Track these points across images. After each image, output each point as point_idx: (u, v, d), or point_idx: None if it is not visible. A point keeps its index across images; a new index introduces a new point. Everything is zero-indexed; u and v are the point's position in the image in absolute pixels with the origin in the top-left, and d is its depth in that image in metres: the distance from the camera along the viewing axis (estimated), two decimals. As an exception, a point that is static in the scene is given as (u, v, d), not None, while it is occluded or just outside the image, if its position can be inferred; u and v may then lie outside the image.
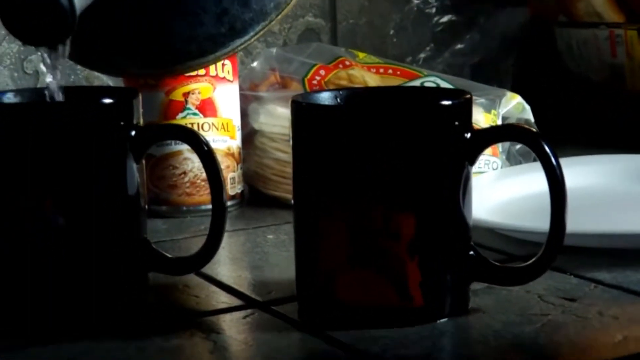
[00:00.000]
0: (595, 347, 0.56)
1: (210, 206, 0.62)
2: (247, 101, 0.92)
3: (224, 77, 0.87)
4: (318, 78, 0.93)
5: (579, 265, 0.68)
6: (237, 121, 0.88)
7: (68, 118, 0.59)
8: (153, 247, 0.63)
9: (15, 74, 1.05)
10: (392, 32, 1.22)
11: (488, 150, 0.89)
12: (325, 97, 0.63)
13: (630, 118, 1.10)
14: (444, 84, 0.94)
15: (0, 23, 0.63)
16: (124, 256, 0.61)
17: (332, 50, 1.00)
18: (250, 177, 0.92)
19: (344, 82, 0.93)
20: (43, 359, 0.56)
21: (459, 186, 0.58)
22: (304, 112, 0.59)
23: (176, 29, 0.78)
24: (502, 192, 0.85)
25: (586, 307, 0.60)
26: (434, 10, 1.23)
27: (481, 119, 0.90)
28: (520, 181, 0.86)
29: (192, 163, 0.85)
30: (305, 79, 0.93)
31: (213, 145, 0.84)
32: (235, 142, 0.88)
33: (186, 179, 0.86)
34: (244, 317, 0.61)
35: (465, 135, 0.58)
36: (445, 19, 1.23)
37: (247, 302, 0.64)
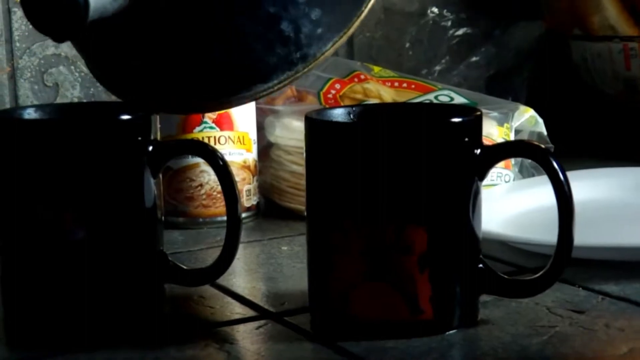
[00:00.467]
0: (601, 359, 0.57)
1: (226, 217, 0.63)
2: (264, 114, 0.93)
3: (241, 92, 0.88)
4: (333, 92, 0.95)
5: (588, 277, 0.69)
6: (253, 134, 0.90)
7: (87, 134, 0.60)
8: (169, 259, 0.65)
9: (36, 87, 1.07)
10: (408, 45, 1.23)
11: (501, 164, 0.90)
12: (339, 114, 0.64)
13: (644, 131, 1.11)
14: (458, 98, 0.95)
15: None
16: (141, 268, 0.62)
17: (347, 64, 1.01)
18: (266, 189, 0.93)
19: (359, 96, 0.94)
20: (61, 369, 0.58)
21: (469, 201, 0.60)
22: (317, 128, 0.61)
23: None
24: (514, 204, 0.85)
25: (593, 319, 0.61)
26: (449, 23, 1.24)
27: (494, 132, 0.91)
28: (533, 194, 0.87)
29: (209, 175, 0.87)
30: (321, 93, 0.95)
31: (229, 158, 0.86)
32: (251, 155, 0.89)
33: (203, 191, 0.87)
34: (257, 328, 0.62)
35: (475, 151, 0.60)
36: (460, 32, 1.24)
37: (260, 313, 0.65)
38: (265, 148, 0.93)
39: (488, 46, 1.23)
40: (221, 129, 0.87)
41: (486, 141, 0.89)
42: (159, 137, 0.64)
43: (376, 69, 1.00)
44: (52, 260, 0.60)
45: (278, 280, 0.73)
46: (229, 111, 0.87)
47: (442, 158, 0.59)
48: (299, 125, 0.89)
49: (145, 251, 0.63)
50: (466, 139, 0.59)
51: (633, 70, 1.11)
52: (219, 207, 0.87)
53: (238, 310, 0.66)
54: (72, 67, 1.08)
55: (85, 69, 1.08)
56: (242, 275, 0.74)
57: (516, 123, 0.94)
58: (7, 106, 1.05)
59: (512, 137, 0.93)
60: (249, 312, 0.65)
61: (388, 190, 0.58)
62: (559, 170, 0.59)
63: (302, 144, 0.63)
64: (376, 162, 0.58)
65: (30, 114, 0.66)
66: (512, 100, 1.09)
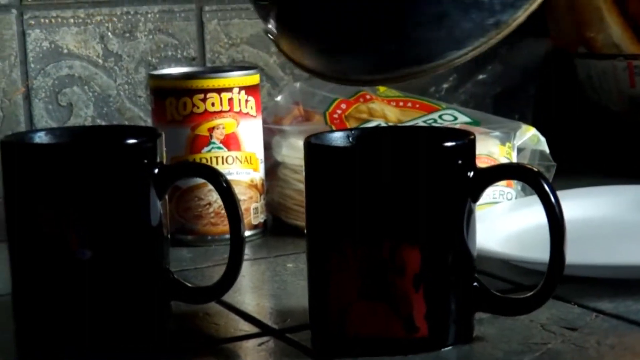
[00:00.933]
0: (590, 376, 0.59)
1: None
2: (271, 134, 0.95)
3: (247, 113, 0.90)
4: (339, 112, 0.97)
5: (582, 294, 0.70)
6: (260, 154, 0.92)
7: (96, 158, 0.62)
8: (175, 277, 0.67)
9: (50, 107, 1.09)
10: (415, 63, 1.25)
11: (502, 182, 0.91)
12: (338, 137, 0.66)
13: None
14: (462, 117, 0.97)
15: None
16: (147, 286, 0.65)
17: (354, 84, 1.03)
18: (273, 207, 0.95)
19: (365, 116, 0.96)
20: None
21: (462, 221, 0.62)
22: (315, 152, 0.63)
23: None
24: (516, 222, 0.86)
25: (585, 336, 0.63)
26: (456, 41, 1.26)
27: (496, 151, 0.93)
28: (534, 212, 0.86)
29: (217, 194, 0.88)
30: (327, 113, 0.97)
31: (236, 177, 0.88)
32: (258, 174, 0.91)
33: (211, 210, 0.89)
34: (260, 345, 0.64)
35: (468, 173, 0.62)
36: (467, 50, 1.26)
37: (263, 330, 0.67)
38: (273, 167, 0.95)
39: (495, 64, 1.25)
40: (229, 149, 0.89)
41: (488, 160, 0.91)
42: (164, 160, 0.66)
43: (382, 88, 1.02)
44: (60, 278, 0.63)
45: (282, 297, 0.75)
46: (236, 132, 0.89)
47: (436, 180, 0.61)
48: (305, 144, 0.91)
49: (151, 269, 0.65)
50: (459, 162, 0.61)
51: (638, 87, 1.12)
52: (227, 225, 0.88)
53: (242, 327, 0.68)
54: (86, 87, 1.10)
55: (98, 89, 1.11)
56: (247, 292, 0.76)
57: (518, 142, 0.96)
58: (22, 125, 1.08)
59: (514, 156, 0.95)
60: (253, 329, 0.67)
61: (383, 212, 0.60)
62: (549, 192, 0.61)
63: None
64: (371, 185, 0.60)
65: (41, 137, 0.68)
66: (518, 117, 1.11)
